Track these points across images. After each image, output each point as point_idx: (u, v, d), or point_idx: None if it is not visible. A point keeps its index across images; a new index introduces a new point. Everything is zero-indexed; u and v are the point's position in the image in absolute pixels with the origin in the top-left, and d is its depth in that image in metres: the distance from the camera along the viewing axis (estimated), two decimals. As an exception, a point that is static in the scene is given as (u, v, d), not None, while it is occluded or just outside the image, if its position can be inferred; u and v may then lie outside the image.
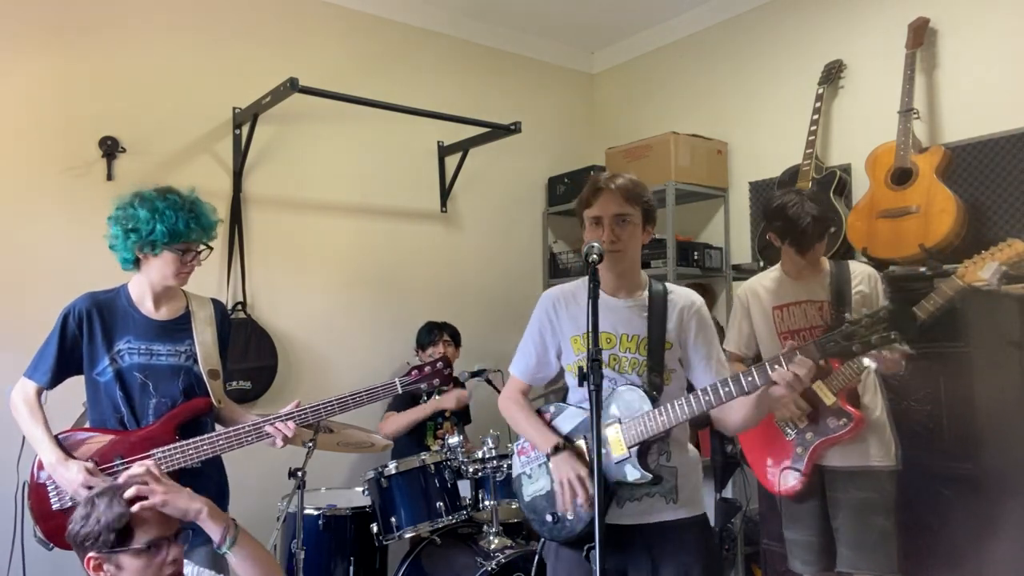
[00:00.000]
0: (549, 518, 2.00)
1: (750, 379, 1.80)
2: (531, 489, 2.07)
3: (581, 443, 1.98)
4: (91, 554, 1.53)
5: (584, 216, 2.05)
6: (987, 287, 2.29)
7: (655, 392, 1.94)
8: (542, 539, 2.10)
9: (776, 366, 1.76)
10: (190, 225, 2.16)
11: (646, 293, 2.06)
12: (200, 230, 2.20)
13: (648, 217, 2.06)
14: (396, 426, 3.36)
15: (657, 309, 2.02)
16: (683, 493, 1.96)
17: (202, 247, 2.24)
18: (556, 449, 1.96)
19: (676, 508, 1.95)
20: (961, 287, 2.32)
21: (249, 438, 2.20)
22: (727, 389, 1.83)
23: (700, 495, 2.04)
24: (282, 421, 2.20)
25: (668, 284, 2.11)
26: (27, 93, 3.03)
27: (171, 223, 2.12)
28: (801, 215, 2.49)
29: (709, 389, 1.85)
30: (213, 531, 1.66)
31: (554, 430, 2.05)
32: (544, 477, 2.03)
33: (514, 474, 2.15)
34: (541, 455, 2.04)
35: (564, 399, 2.14)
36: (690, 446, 2.07)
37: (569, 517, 1.95)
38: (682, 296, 2.08)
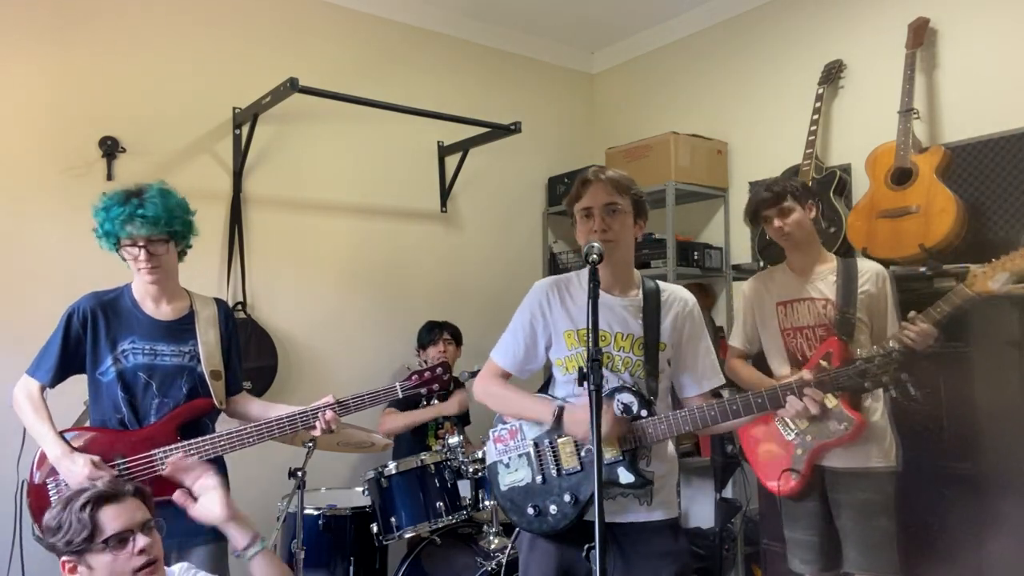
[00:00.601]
0: (531, 511, 1.98)
1: (760, 401, 1.85)
2: (509, 479, 2.03)
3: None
4: (64, 558, 1.58)
5: (574, 211, 2.04)
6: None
7: (652, 396, 1.93)
8: (516, 530, 2.09)
9: (790, 395, 1.84)
10: (117, 221, 2.11)
11: (640, 292, 2.05)
12: (134, 225, 2.11)
13: (639, 210, 2.04)
14: (395, 425, 3.36)
15: (651, 310, 2.01)
16: (658, 496, 1.95)
17: (152, 239, 2.14)
18: (560, 409, 1.93)
19: (650, 510, 1.94)
20: (970, 296, 2.30)
21: (269, 433, 2.21)
22: (735, 407, 1.87)
23: (675, 498, 2.05)
24: (323, 413, 2.22)
25: (659, 282, 2.09)
26: (27, 93, 3.03)
27: (105, 222, 2.13)
28: (757, 190, 2.56)
29: (716, 405, 1.87)
30: (240, 536, 1.76)
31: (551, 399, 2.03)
32: (524, 468, 2.01)
33: (488, 462, 2.12)
34: (520, 445, 2.02)
35: (544, 390, 2.12)
36: (669, 449, 2.06)
37: (552, 510, 1.94)
38: (676, 296, 2.07)
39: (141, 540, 1.60)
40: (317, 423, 2.23)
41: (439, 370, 2.43)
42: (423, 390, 2.41)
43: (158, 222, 2.15)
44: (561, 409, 1.93)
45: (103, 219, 2.15)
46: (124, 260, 2.23)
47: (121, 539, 1.59)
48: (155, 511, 1.71)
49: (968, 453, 2.67)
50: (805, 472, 2.48)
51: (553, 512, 1.94)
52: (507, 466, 2.05)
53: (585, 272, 2.09)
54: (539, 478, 1.98)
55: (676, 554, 1.96)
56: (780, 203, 2.52)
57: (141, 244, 2.14)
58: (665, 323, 2.01)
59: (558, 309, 2.06)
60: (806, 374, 1.90)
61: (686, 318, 2.04)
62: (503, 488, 2.05)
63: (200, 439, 2.16)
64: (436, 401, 3.39)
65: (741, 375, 2.65)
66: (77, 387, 2.23)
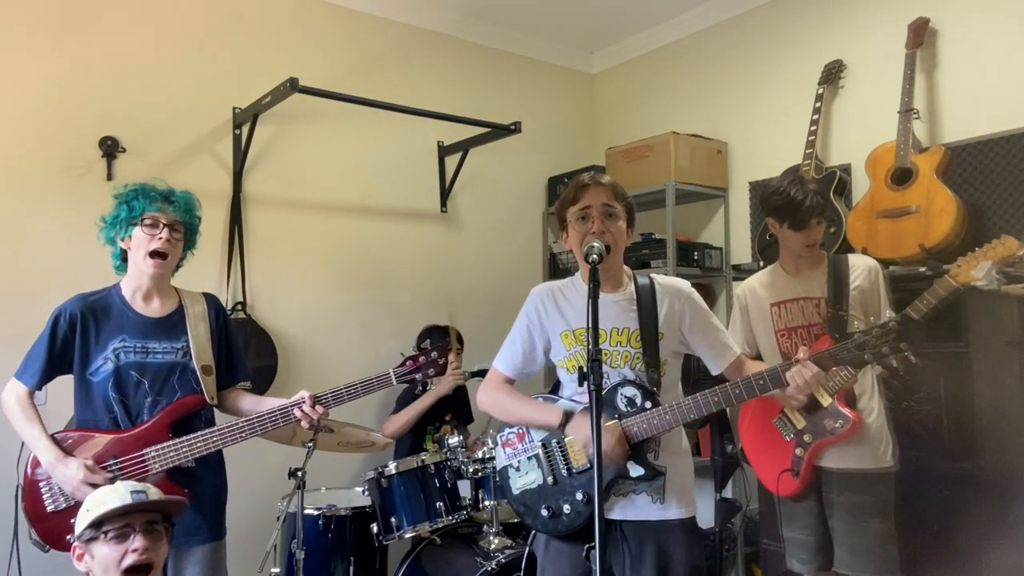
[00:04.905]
0: (545, 512, 1.98)
1: (761, 382, 1.85)
2: (520, 483, 2.04)
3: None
4: (76, 543, 1.66)
5: (569, 214, 2.04)
6: (986, 286, 2.28)
7: (654, 388, 1.93)
8: (533, 532, 2.09)
9: (790, 372, 1.84)
10: (148, 195, 2.20)
11: (632, 287, 2.05)
12: (160, 201, 2.20)
13: (631, 218, 2.07)
14: (397, 425, 3.36)
15: (646, 301, 2.01)
16: (670, 493, 1.94)
17: (173, 223, 2.21)
18: (567, 416, 1.95)
19: (663, 508, 1.93)
20: (954, 287, 2.29)
21: (262, 428, 2.21)
22: (737, 391, 1.86)
23: (690, 496, 2.02)
24: (309, 405, 2.22)
25: (653, 275, 2.09)
26: (27, 93, 3.03)
27: (130, 199, 2.20)
28: (798, 188, 2.48)
29: (718, 391, 1.87)
30: None
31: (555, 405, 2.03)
32: (535, 470, 2.01)
33: (498, 467, 2.13)
34: (529, 447, 2.03)
35: (555, 391, 2.13)
36: (683, 443, 2.05)
37: (566, 509, 1.94)
38: (670, 285, 2.07)
39: (139, 541, 1.62)
40: (303, 419, 2.23)
41: (433, 354, 2.41)
42: (418, 375, 2.39)
43: (188, 210, 2.27)
44: (567, 416, 1.95)
45: (134, 195, 2.19)
46: (120, 258, 2.24)
47: (121, 534, 1.62)
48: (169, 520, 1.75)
49: (968, 453, 2.67)
50: (804, 472, 2.48)
51: (567, 512, 1.94)
52: (517, 469, 2.06)
53: (578, 276, 2.11)
54: (550, 479, 1.98)
55: (689, 554, 1.94)
56: (824, 213, 2.51)
57: (165, 223, 2.19)
58: (662, 312, 2.01)
59: (553, 312, 2.09)
60: (802, 352, 1.87)
61: (684, 303, 2.03)
62: (515, 492, 2.06)
63: (191, 436, 2.15)
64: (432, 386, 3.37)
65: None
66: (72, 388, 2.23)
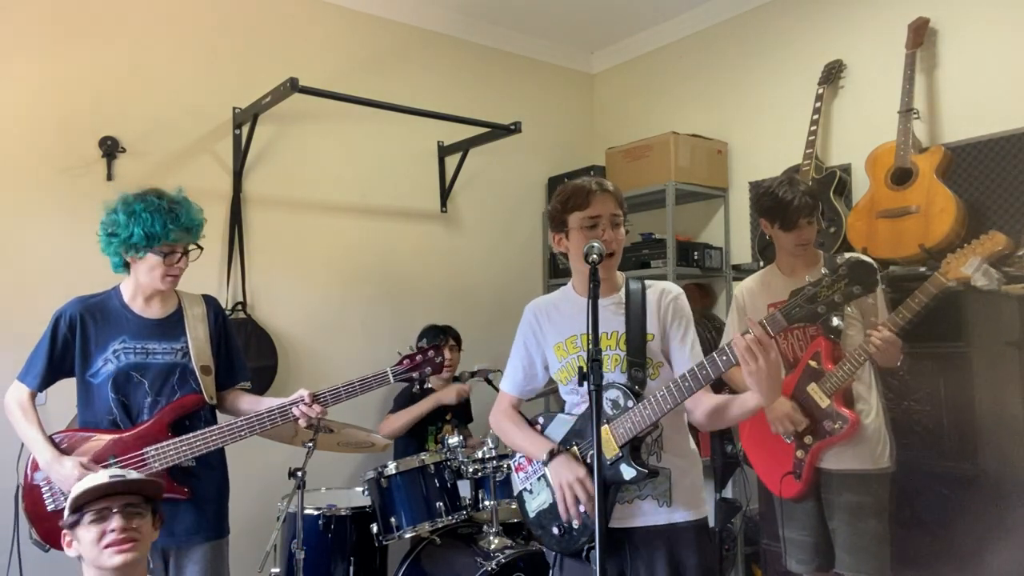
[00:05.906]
0: (556, 531, 1.98)
1: (724, 358, 1.75)
2: (534, 504, 2.05)
3: (575, 449, 1.96)
4: (64, 531, 1.71)
5: (573, 218, 1.99)
6: (986, 286, 2.28)
7: (637, 386, 1.91)
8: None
9: (742, 336, 1.72)
10: (167, 226, 2.14)
11: (622, 291, 2.04)
12: (180, 231, 2.18)
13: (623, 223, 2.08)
14: (394, 426, 3.36)
15: (635, 303, 2.00)
16: (678, 496, 1.92)
17: (188, 248, 2.23)
18: (551, 455, 1.94)
19: (670, 511, 1.91)
20: (945, 284, 2.28)
21: (260, 426, 2.22)
22: (704, 372, 1.78)
23: (700, 498, 1.99)
24: (308, 404, 2.23)
25: (645, 280, 2.07)
26: (27, 93, 3.03)
27: (147, 225, 2.12)
28: (787, 189, 2.48)
29: (687, 375, 1.80)
30: None
31: (547, 439, 2.04)
32: (544, 490, 2.01)
33: (515, 492, 2.14)
34: (538, 468, 2.03)
35: (563, 411, 2.12)
36: (692, 447, 2.04)
37: (575, 525, 1.93)
38: (660, 287, 2.05)
39: (116, 520, 1.68)
40: (301, 418, 2.24)
41: (430, 353, 2.41)
42: (415, 374, 2.39)
43: (199, 231, 2.27)
44: (551, 455, 1.95)
45: (150, 222, 2.13)
46: (123, 264, 2.23)
47: (99, 516, 1.68)
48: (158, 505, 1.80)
49: (967, 453, 2.67)
50: (806, 474, 2.48)
51: (576, 527, 1.93)
52: (530, 492, 2.06)
53: (569, 286, 2.11)
54: (556, 490, 1.96)
55: (701, 557, 1.92)
56: (814, 214, 2.50)
57: (181, 251, 2.21)
58: (650, 313, 1.99)
59: (547, 326, 2.09)
60: (750, 319, 1.78)
61: (668, 304, 2.01)
62: (531, 515, 2.06)
63: (191, 435, 2.16)
64: (428, 385, 3.35)
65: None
66: (74, 389, 2.23)
